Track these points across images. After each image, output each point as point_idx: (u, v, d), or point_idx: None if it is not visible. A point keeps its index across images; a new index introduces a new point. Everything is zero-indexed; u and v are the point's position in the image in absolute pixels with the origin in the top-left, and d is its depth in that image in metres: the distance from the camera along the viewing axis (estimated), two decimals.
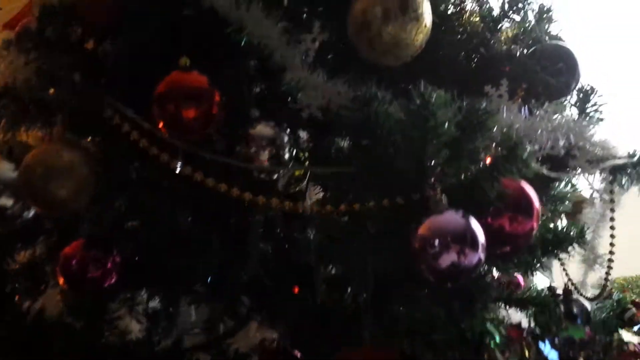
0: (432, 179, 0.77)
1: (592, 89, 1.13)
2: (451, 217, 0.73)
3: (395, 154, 0.81)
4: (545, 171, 0.90)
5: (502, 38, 1.13)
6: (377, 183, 0.85)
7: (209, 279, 0.99)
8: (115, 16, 0.91)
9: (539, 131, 0.93)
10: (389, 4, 0.86)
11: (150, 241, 0.92)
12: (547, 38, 1.13)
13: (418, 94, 0.71)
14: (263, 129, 0.98)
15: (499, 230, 0.83)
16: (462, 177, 0.80)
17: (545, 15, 1.15)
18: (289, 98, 0.94)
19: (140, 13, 0.91)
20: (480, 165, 0.82)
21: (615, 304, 1.22)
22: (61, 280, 0.97)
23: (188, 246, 0.92)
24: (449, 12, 1.07)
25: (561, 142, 0.95)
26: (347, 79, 0.86)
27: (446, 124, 0.73)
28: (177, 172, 0.83)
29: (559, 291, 1.16)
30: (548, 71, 1.05)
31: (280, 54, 0.88)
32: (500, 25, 1.17)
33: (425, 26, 0.88)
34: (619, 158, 0.99)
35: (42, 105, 0.90)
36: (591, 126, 0.99)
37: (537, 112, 0.94)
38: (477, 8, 1.14)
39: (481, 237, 0.73)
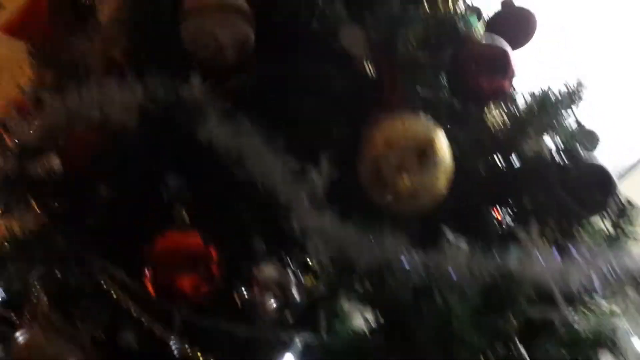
0: None
1: (630, 203, 1.03)
2: None
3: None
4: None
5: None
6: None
7: None
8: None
9: (574, 277, 0.85)
10: (404, 152, 0.77)
11: None
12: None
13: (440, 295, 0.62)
14: (269, 271, 0.90)
15: None
16: None
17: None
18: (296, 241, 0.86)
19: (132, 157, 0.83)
20: None
21: None
22: None
23: None
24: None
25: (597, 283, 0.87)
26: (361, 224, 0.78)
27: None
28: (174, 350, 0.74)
29: None
30: (583, 192, 0.96)
31: (284, 192, 0.80)
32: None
33: (447, 170, 0.79)
34: None
35: None
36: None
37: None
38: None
39: None
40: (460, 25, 0.92)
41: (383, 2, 0.88)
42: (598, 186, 0.98)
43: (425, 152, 0.77)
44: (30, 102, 1.04)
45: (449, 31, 0.91)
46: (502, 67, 0.89)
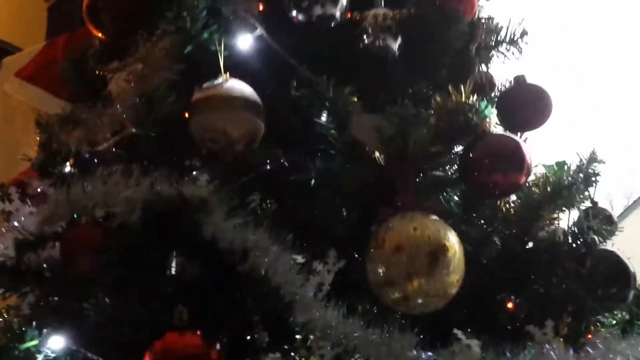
0: None
1: None
2: None
3: None
4: None
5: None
6: None
7: None
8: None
9: None
10: (415, 257, 0.74)
11: None
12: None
13: None
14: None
15: None
16: None
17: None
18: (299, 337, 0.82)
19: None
20: None
21: None
22: None
23: None
24: None
25: None
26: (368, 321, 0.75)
27: None
28: None
29: None
30: (599, 284, 0.92)
31: (288, 287, 0.77)
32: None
33: (458, 271, 0.76)
34: None
35: None
36: None
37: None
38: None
39: None
40: (473, 116, 0.91)
41: (394, 98, 0.88)
42: (615, 278, 0.94)
43: (436, 256, 0.74)
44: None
45: (461, 123, 0.90)
46: (517, 163, 0.86)
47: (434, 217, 0.78)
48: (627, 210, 2.52)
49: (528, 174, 0.88)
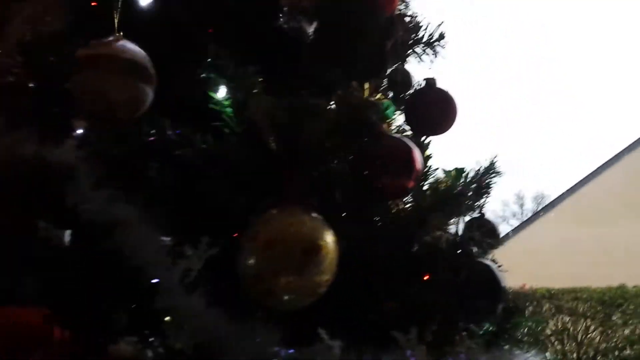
0: None
1: (517, 308, 1.04)
2: None
3: None
4: None
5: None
6: None
7: None
8: None
9: None
10: (286, 254, 0.72)
11: None
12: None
13: None
14: (125, 349, 0.82)
15: None
16: None
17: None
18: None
19: None
20: None
21: None
22: None
23: None
24: None
25: None
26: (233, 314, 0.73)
27: None
28: None
29: None
30: (471, 297, 0.95)
31: (152, 270, 0.74)
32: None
33: (329, 271, 0.75)
34: None
35: None
36: None
37: None
38: None
39: None
40: (372, 115, 0.89)
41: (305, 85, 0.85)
42: (486, 291, 0.97)
43: (308, 255, 0.73)
44: None
45: (360, 121, 0.88)
46: (406, 167, 0.86)
47: (315, 214, 0.76)
48: None
49: (418, 179, 0.88)
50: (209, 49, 0.88)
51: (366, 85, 0.89)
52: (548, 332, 6.88)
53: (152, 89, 0.80)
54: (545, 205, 11.87)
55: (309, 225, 0.74)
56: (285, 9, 0.96)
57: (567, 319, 6.84)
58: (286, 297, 0.74)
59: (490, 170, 1.22)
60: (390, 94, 1.10)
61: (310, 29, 0.99)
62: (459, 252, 0.99)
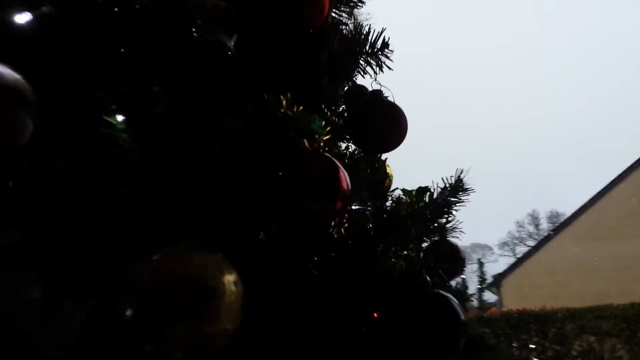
0: None
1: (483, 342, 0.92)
2: None
3: None
4: None
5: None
6: None
7: None
8: None
9: None
10: (179, 299, 0.60)
11: None
12: None
13: None
14: None
15: None
16: None
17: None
18: None
19: None
20: None
21: None
22: None
23: None
24: None
25: None
26: None
27: None
28: None
29: None
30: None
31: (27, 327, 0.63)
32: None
33: (229, 321, 0.63)
34: None
35: None
36: None
37: None
38: None
39: None
40: (295, 132, 0.78)
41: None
42: (443, 327, 0.84)
43: (197, 298, 0.60)
44: None
45: (279, 139, 0.77)
46: (331, 188, 0.74)
47: (214, 251, 0.64)
48: None
49: (345, 201, 0.76)
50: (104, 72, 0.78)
51: (285, 98, 0.78)
52: (574, 353, 6.60)
53: (33, 118, 0.70)
54: (561, 223, 11.60)
55: (199, 264, 0.62)
56: (198, 20, 0.87)
57: (592, 338, 6.57)
58: (177, 352, 0.62)
59: (458, 188, 1.11)
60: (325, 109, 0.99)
61: (231, 43, 0.90)
62: (410, 283, 0.87)
